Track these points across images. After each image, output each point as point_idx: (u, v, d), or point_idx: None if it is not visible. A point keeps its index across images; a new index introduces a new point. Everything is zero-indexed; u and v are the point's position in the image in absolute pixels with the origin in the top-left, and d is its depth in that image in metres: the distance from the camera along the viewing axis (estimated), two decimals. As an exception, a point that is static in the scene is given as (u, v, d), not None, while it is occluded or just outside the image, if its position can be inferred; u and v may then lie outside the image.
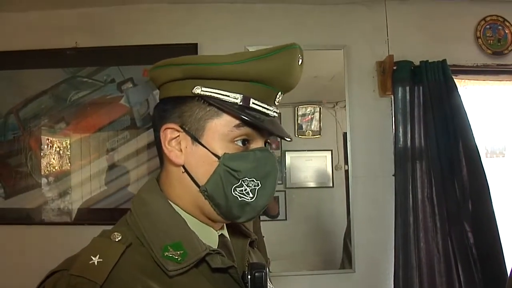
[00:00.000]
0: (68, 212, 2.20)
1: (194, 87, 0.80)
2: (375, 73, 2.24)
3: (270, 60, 0.81)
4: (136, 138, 2.21)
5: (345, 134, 2.22)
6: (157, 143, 0.87)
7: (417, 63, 2.15)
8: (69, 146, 2.25)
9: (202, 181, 0.81)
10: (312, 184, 2.28)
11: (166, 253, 0.76)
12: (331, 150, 2.26)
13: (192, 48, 2.22)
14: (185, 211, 0.84)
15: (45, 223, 2.21)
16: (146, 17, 2.29)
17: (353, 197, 2.19)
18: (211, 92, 0.79)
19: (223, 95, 0.79)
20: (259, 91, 0.81)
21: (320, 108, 2.28)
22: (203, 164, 0.81)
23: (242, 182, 0.81)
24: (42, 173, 2.24)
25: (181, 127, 0.81)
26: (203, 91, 0.79)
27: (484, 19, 2.25)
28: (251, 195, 0.81)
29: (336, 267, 2.19)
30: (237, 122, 0.80)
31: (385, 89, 2.18)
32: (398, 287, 2.01)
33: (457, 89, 2.08)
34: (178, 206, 0.84)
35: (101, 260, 0.71)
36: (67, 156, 2.24)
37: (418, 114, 2.13)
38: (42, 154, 2.25)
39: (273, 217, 2.22)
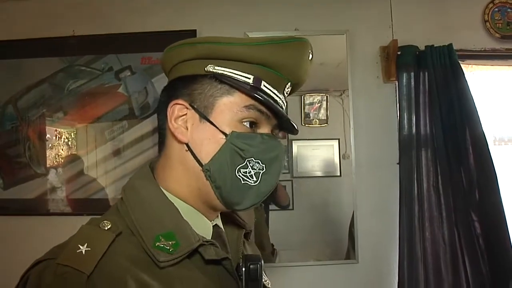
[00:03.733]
0: (66, 202, 2.18)
1: (207, 65, 0.79)
2: (379, 59, 2.18)
3: (282, 46, 0.82)
4: (135, 127, 2.18)
5: (350, 122, 2.18)
6: (160, 124, 0.86)
7: (422, 47, 2.08)
8: (68, 136, 2.22)
9: (205, 160, 0.79)
10: (319, 173, 2.24)
11: (157, 243, 0.74)
12: (338, 139, 2.21)
13: (191, 35, 2.17)
14: (180, 199, 0.81)
15: (44, 213, 2.19)
16: (144, 4, 2.25)
17: (358, 186, 2.15)
18: (224, 71, 0.79)
19: (236, 74, 0.79)
20: (270, 76, 0.81)
21: (327, 96, 2.23)
22: (208, 142, 0.79)
23: (248, 162, 0.79)
24: (41, 163, 2.22)
25: (190, 105, 0.80)
26: (216, 69, 0.79)
27: (492, 1, 2.17)
28: (254, 179, 0.80)
29: (342, 257, 2.15)
30: (248, 103, 0.79)
31: (389, 75, 2.12)
32: (403, 278, 1.97)
33: (463, 74, 2.02)
34: (172, 194, 0.81)
35: (89, 249, 0.69)
36: (67, 146, 2.22)
37: (424, 100, 2.07)
38: (40, 144, 2.22)
39: (284, 207, 2.19)
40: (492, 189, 1.95)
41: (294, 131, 0.90)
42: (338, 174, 2.22)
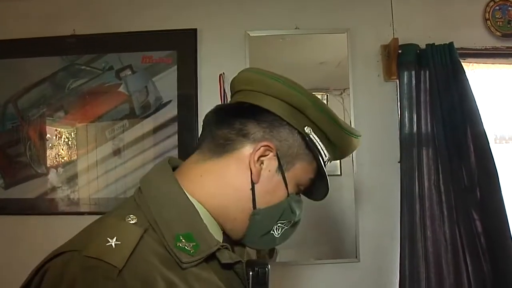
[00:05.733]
0: (67, 201, 2.18)
1: (305, 126, 0.83)
2: (380, 57, 2.18)
3: (354, 139, 0.90)
4: (135, 126, 2.17)
5: (350, 122, 2.17)
6: (224, 132, 0.83)
7: (423, 46, 2.07)
8: (68, 136, 2.21)
9: (259, 205, 0.81)
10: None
11: (178, 244, 0.73)
12: (339, 138, 2.20)
13: (191, 34, 2.17)
14: (200, 203, 0.81)
15: (44, 213, 2.18)
16: (144, 3, 2.24)
17: (359, 184, 2.14)
18: (317, 141, 0.84)
19: (322, 149, 0.85)
20: (331, 159, 0.89)
21: (327, 95, 2.22)
22: (273, 194, 0.82)
23: (288, 221, 0.86)
24: (42, 162, 2.21)
25: (276, 152, 0.82)
26: (312, 136, 0.83)
27: (493, 0, 2.16)
28: (278, 231, 0.86)
29: (343, 256, 2.15)
30: (312, 176, 0.87)
31: (390, 74, 2.11)
32: (404, 277, 1.96)
33: (464, 73, 2.00)
34: (193, 196, 0.81)
35: (119, 243, 0.66)
36: (67, 146, 2.21)
37: (424, 99, 2.06)
38: (40, 143, 2.22)
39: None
40: (493, 187, 1.94)
41: (319, 199, 0.96)
42: (339, 173, 2.21)
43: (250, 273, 0.81)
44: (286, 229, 0.87)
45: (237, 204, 0.82)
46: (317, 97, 0.85)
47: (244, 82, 0.89)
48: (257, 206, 0.81)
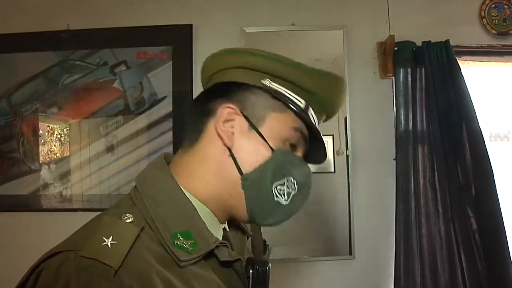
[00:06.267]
0: (59, 198, 2.15)
1: (264, 79, 0.80)
2: (376, 54, 2.17)
3: (332, 79, 0.86)
4: (129, 122, 2.15)
5: (346, 118, 2.16)
6: (193, 121, 0.84)
7: (419, 43, 2.07)
8: (62, 131, 2.19)
9: (246, 169, 0.79)
10: (313, 170, 2.19)
11: (176, 241, 0.72)
12: (333, 135, 2.19)
13: (187, 30, 2.16)
14: (197, 199, 0.79)
15: (37, 209, 2.16)
16: (139, -2, 2.23)
17: (354, 182, 2.13)
18: (280, 89, 0.81)
19: (290, 94, 0.81)
20: (315, 106, 0.85)
21: (321, 92, 2.21)
22: (253, 153, 0.79)
23: (286, 181, 0.81)
24: (35, 159, 2.19)
25: (241, 112, 0.80)
26: (272, 84, 0.80)
27: (489, -3, 2.17)
28: (286, 198, 0.81)
29: (338, 253, 2.14)
30: (295, 125, 0.82)
31: (386, 71, 2.11)
32: (399, 274, 1.97)
33: (460, 70, 2.01)
34: (190, 193, 0.79)
35: (115, 242, 0.65)
36: (59, 142, 2.19)
37: (420, 96, 2.06)
38: (33, 139, 2.19)
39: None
40: (488, 185, 1.94)
41: (319, 163, 0.94)
42: (332, 170, 2.20)
43: (250, 271, 0.80)
44: (293, 194, 0.82)
45: (225, 177, 0.80)
46: (262, 51, 0.84)
47: (205, 70, 0.90)
48: (244, 171, 0.79)
